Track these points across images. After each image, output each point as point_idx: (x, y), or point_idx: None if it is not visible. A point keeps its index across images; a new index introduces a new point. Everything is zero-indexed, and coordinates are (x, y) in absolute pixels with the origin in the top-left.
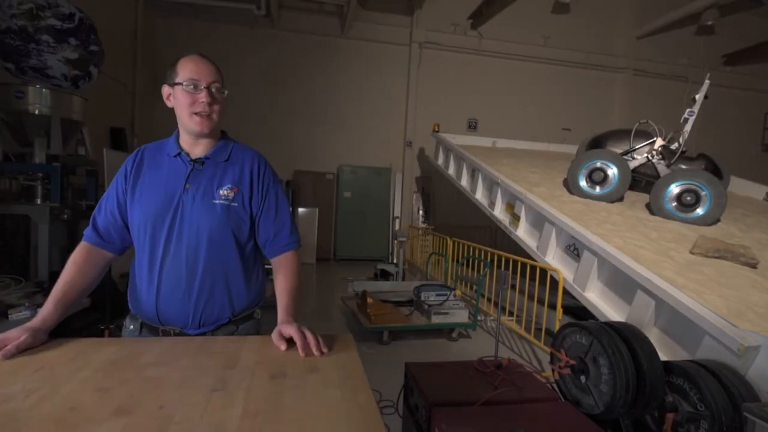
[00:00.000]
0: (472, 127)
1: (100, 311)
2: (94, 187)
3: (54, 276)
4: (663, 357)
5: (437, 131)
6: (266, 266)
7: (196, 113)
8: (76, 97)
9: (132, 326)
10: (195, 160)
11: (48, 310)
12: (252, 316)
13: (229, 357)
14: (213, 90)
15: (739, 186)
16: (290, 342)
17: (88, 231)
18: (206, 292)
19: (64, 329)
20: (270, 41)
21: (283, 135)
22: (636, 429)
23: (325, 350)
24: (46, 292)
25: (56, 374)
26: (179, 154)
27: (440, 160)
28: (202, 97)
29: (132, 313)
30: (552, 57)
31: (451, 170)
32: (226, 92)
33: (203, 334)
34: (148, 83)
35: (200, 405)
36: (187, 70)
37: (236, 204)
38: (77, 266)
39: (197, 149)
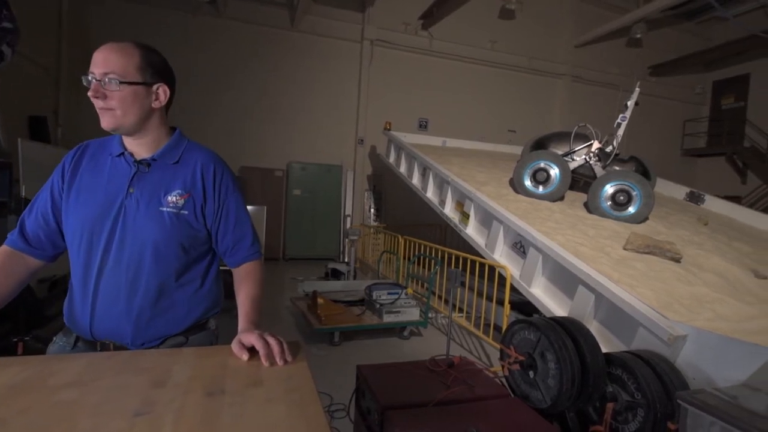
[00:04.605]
0: (422, 126)
1: (13, 321)
2: (7, 182)
3: None
4: (603, 349)
5: (389, 129)
6: (223, 267)
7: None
8: None
9: (62, 342)
10: (140, 162)
11: None
12: (205, 326)
13: (158, 373)
14: (106, 80)
15: (663, 187)
16: (253, 351)
17: (12, 235)
18: (148, 309)
19: None
20: (215, 31)
21: (230, 129)
22: (579, 420)
23: (289, 359)
24: None
25: None
26: (122, 153)
27: (392, 158)
28: (90, 91)
29: (66, 327)
30: (498, 60)
31: (403, 168)
32: (119, 81)
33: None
34: (78, 69)
35: None
36: (91, 62)
37: (186, 212)
38: None
39: (140, 149)
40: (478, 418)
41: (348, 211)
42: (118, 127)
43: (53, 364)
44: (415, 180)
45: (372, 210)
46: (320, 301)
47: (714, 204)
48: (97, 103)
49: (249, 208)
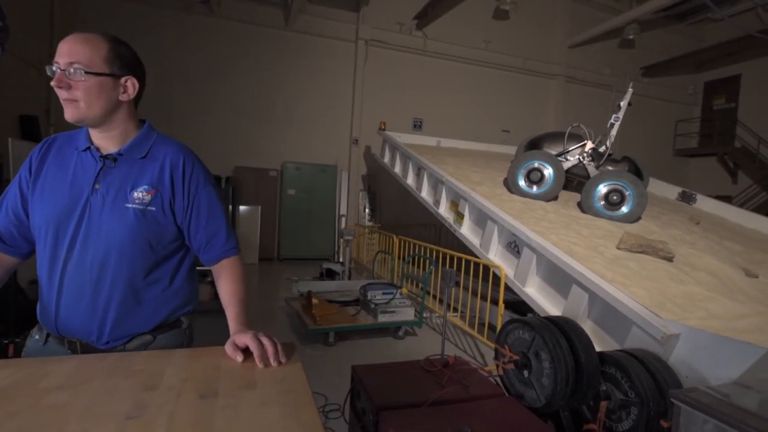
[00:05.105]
0: (417, 126)
1: (3, 322)
2: None
3: None
4: (597, 348)
5: (383, 129)
6: (200, 267)
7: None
8: None
9: (38, 336)
10: (106, 156)
11: None
12: (176, 324)
13: (150, 375)
14: (71, 71)
15: (655, 186)
16: (247, 352)
17: None
18: (115, 306)
19: None
20: (209, 30)
21: (224, 129)
22: (573, 419)
23: (284, 360)
24: None
25: None
26: (89, 148)
27: (386, 158)
28: (54, 81)
29: (39, 323)
30: (492, 61)
31: (397, 168)
32: (83, 71)
33: (113, 348)
34: None
35: None
36: (56, 52)
37: (154, 208)
38: None
39: (107, 143)
40: (473, 418)
41: (343, 211)
42: (83, 119)
43: (44, 367)
44: (410, 180)
45: (367, 210)
46: (315, 301)
47: (706, 203)
48: (61, 94)
49: (243, 208)
